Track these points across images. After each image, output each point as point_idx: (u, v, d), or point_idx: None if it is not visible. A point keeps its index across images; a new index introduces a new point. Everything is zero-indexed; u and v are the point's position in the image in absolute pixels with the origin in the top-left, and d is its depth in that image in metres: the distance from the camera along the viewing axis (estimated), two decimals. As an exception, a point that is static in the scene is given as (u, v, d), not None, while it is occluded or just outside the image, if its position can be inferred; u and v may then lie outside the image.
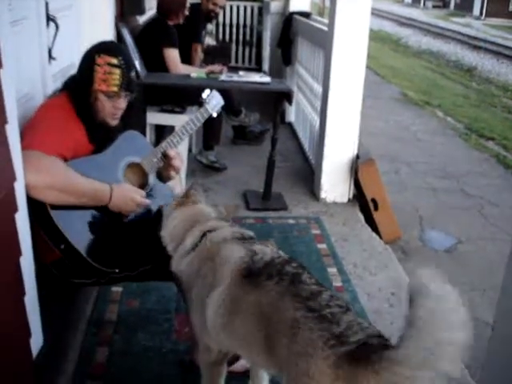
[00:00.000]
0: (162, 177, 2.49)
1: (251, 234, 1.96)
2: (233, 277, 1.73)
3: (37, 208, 1.96)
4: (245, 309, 1.68)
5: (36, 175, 1.89)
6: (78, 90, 2.18)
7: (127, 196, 2.16)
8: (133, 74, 2.23)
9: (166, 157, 2.41)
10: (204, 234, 1.91)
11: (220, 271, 1.78)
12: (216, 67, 4.58)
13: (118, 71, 2.15)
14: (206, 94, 2.69)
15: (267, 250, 1.80)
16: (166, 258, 2.00)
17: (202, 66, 4.96)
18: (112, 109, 2.21)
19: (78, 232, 2.07)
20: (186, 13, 4.69)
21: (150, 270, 2.24)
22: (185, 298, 2.27)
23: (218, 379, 1.97)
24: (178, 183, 2.64)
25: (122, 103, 2.23)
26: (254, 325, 1.65)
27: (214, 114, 2.71)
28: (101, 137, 2.24)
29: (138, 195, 2.20)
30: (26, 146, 1.88)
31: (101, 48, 2.19)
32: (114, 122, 2.26)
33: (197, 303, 1.86)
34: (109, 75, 2.14)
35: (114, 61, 2.14)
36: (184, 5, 4.63)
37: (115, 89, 2.16)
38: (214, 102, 2.70)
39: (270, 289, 1.63)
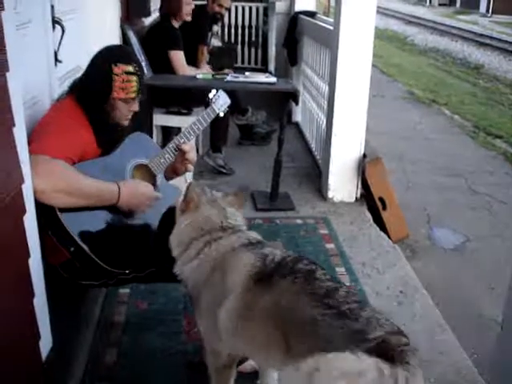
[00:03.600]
0: (178, 171, 2.52)
1: (258, 237, 1.94)
2: (245, 282, 1.72)
3: (45, 211, 1.96)
4: (261, 311, 1.65)
5: (44, 180, 1.89)
6: (94, 99, 2.19)
7: (137, 191, 2.18)
8: (145, 77, 2.27)
9: (180, 151, 2.43)
10: (208, 242, 1.89)
11: (230, 279, 1.76)
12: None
13: (135, 78, 2.19)
14: (212, 93, 2.71)
15: (277, 251, 1.79)
16: (174, 260, 2.00)
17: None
18: (127, 112, 2.27)
19: (87, 234, 2.07)
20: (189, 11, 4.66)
21: (158, 271, 2.25)
22: (192, 301, 2.27)
23: (227, 382, 1.96)
24: (184, 183, 2.65)
25: (137, 106, 2.29)
26: (271, 326, 1.63)
27: (221, 114, 2.72)
28: (108, 139, 2.26)
29: (148, 188, 2.22)
30: (33, 150, 1.88)
31: (114, 56, 2.20)
32: (127, 122, 2.31)
33: (207, 312, 1.85)
34: (127, 83, 2.17)
35: (130, 68, 2.18)
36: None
37: (133, 95, 2.21)
38: (220, 101, 2.70)
39: (285, 289, 1.62)
